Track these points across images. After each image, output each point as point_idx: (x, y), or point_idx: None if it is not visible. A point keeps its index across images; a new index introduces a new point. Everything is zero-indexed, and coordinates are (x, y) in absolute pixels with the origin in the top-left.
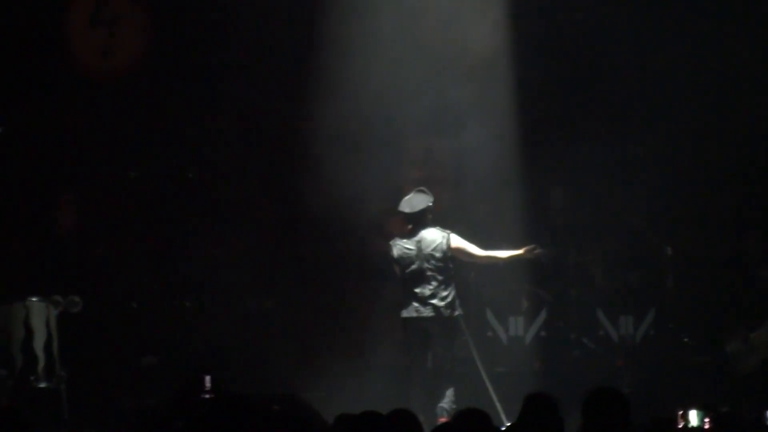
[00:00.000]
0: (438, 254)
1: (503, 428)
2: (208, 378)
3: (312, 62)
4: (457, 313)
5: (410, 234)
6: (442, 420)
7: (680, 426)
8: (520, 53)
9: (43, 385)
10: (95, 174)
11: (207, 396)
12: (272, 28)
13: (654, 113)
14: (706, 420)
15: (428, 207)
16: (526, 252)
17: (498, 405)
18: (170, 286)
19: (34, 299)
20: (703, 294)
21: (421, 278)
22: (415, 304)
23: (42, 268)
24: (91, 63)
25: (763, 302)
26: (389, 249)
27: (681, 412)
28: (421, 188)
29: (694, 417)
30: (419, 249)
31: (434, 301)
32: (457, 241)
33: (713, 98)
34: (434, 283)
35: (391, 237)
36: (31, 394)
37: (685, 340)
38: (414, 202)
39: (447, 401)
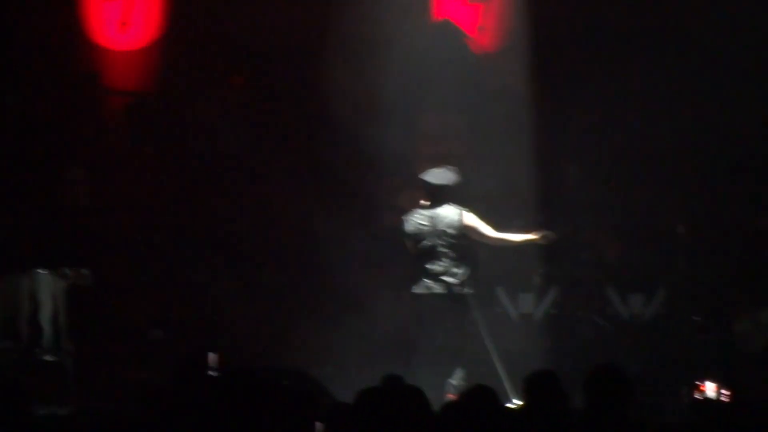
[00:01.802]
0: (451, 231)
1: (511, 405)
2: (212, 355)
3: (330, 37)
4: (468, 290)
5: (426, 208)
6: (450, 397)
7: (696, 397)
8: (536, 33)
9: (48, 358)
10: (106, 147)
11: (211, 373)
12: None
13: (669, 91)
14: (723, 392)
15: (450, 185)
16: (539, 237)
17: (506, 382)
18: (179, 260)
19: (41, 271)
20: (714, 273)
21: (433, 254)
22: (426, 281)
23: (50, 241)
24: (108, 34)
25: None
26: (402, 223)
27: (698, 384)
28: (452, 167)
29: (711, 389)
30: (433, 225)
31: (446, 278)
32: (471, 220)
33: (727, 75)
34: (446, 260)
35: (403, 212)
36: (37, 366)
37: (696, 318)
38: (440, 175)
39: (456, 378)
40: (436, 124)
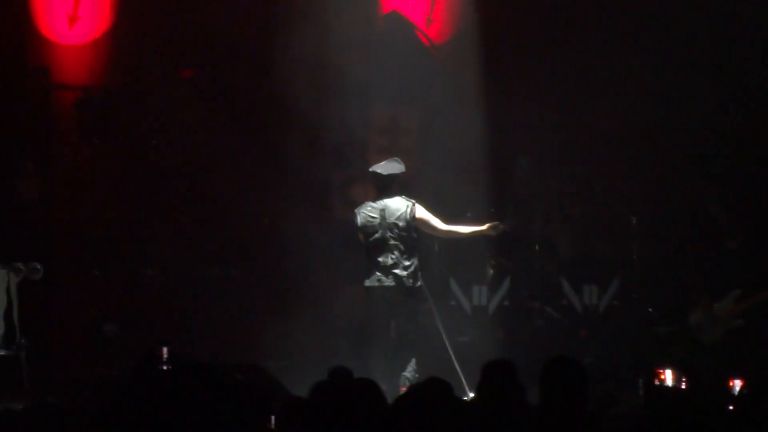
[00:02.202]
0: (401, 223)
1: (466, 398)
2: (165, 349)
3: (279, 29)
4: (419, 283)
5: (375, 199)
6: (405, 389)
7: (656, 384)
8: (486, 23)
9: (2, 352)
10: (57, 141)
11: (164, 367)
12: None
13: (623, 82)
14: (683, 380)
15: (398, 175)
16: (488, 228)
17: (461, 374)
18: (132, 254)
19: None
20: (668, 264)
21: (383, 247)
22: (378, 274)
23: (2, 236)
24: (58, 29)
25: (727, 273)
26: (354, 217)
27: (658, 371)
28: (396, 158)
29: (669, 376)
30: (383, 217)
31: (396, 271)
32: (421, 213)
33: (683, 68)
34: (397, 253)
35: (354, 204)
36: None
37: (649, 310)
38: (387, 167)
39: (410, 370)
40: (385, 116)
